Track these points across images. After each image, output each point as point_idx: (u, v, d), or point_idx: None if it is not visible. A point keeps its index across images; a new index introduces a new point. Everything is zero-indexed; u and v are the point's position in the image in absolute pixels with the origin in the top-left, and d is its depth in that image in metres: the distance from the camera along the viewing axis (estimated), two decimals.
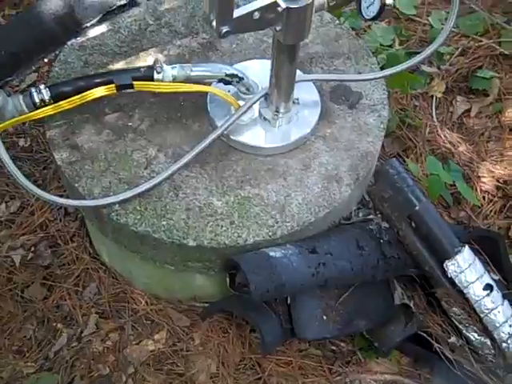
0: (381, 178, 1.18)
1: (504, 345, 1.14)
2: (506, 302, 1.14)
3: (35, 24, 1.05)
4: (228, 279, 1.12)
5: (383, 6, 0.99)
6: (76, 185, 1.10)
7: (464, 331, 1.18)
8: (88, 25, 1.07)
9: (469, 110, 1.64)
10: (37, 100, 1.08)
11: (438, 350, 1.18)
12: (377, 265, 1.15)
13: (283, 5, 0.90)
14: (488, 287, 1.13)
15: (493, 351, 1.17)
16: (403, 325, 1.21)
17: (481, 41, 1.71)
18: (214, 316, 1.29)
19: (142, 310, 1.30)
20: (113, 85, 1.10)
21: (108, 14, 1.08)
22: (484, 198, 1.47)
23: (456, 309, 1.17)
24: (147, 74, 1.10)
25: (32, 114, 1.09)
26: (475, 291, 1.12)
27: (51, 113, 1.10)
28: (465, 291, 1.12)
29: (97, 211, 1.10)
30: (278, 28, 0.95)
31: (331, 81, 1.25)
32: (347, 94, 1.24)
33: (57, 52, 1.24)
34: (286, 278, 1.06)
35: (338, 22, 1.36)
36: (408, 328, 1.20)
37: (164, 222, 1.07)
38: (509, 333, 1.13)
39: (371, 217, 1.22)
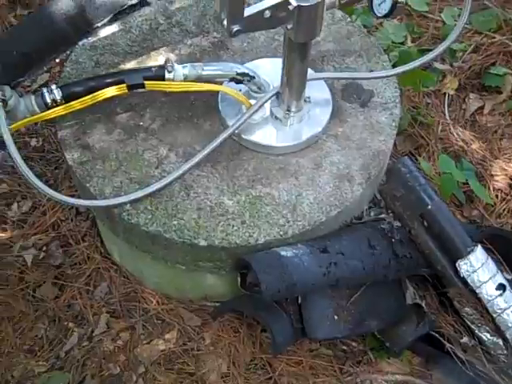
0: (393, 176, 1.17)
1: None
2: None
3: (47, 24, 1.05)
4: (239, 279, 1.12)
5: (395, 3, 0.98)
6: (87, 185, 1.10)
7: (476, 331, 1.17)
8: (99, 25, 1.08)
9: (482, 108, 1.63)
10: (48, 100, 1.09)
11: (450, 350, 1.17)
12: (388, 264, 1.15)
13: (294, 3, 0.90)
14: (501, 287, 1.12)
15: (505, 351, 1.16)
16: (415, 325, 1.20)
17: (494, 37, 1.70)
18: (224, 315, 1.29)
19: (153, 310, 1.31)
20: (124, 84, 1.10)
21: (119, 14, 1.09)
22: (497, 196, 1.46)
23: (468, 309, 1.17)
24: (158, 74, 1.10)
25: (44, 114, 1.10)
26: (488, 291, 1.11)
27: (63, 113, 1.11)
28: (477, 291, 1.11)
29: (108, 211, 1.10)
30: (289, 26, 0.94)
31: (343, 79, 1.24)
32: (359, 92, 1.23)
33: (68, 52, 1.24)
34: (298, 277, 1.05)
35: (349, 19, 1.35)
36: (420, 328, 1.19)
37: (175, 222, 1.06)
38: None
39: (383, 216, 1.21)
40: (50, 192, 1.04)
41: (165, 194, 1.09)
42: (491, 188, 1.46)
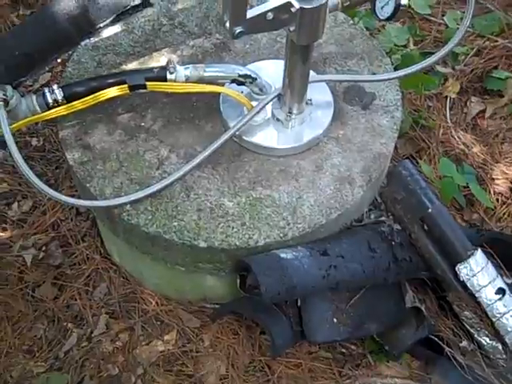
0: (393, 179, 1.17)
1: None
2: None
3: (49, 24, 1.05)
4: (239, 281, 1.12)
5: (398, 6, 0.98)
6: (88, 185, 1.10)
7: (475, 335, 1.17)
8: (102, 25, 1.08)
9: (483, 111, 1.62)
10: (50, 100, 1.09)
11: (449, 354, 1.17)
12: (388, 267, 1.15)
13: (297, 5, 0.90)
14: (500, 291, 1.12)
15: (504, 356, 1.16)
16: (414, 328, 1.20)
17: (496, 41, 1.70)
18: (224, 317, 1.29)
19: (152, 311, 1.30)
20: (126, 85, 1.10)
21: (122, 15, 1.08)
22: (497, 200, 1.46)
23: (468, 313, 1.17)
24: (160, 75, 1.10)
25: (45, 114, 1.10)
26: (487, 295, 1.11)
27: (64, 113, 1.11)
28: (477, 295, 1.11)
29: (108, 211, 1.10)
30: (291, 28, 0.94)
31: (345, 81, 1.24)
32: (361, 94, 1.23)
33: (70, 52, 1.24)
34: (297, 280, 1.05)
35: (352, 22, 1.35)
36: (419, 331, 1.19)
37: (175, 223, 1.06)
38: None
39: (383, 219, 1.21)
40: (50, 192, 1.04)
41: (165, 195, 1.09)
42: (492, 192, 1.46)
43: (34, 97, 1.09)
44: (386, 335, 1.22)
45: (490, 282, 1.11)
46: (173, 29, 1.31)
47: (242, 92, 1.14)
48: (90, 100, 1.10)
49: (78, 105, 1.10)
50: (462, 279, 1.10)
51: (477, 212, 1.45)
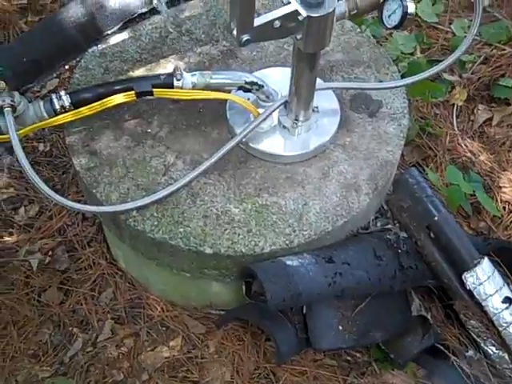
0: (400, 187, 1.17)
1: None
2: None
3: (57, 31, 1.05)
4: (244, 287, 1.12)
5: (405, 15, 0.98)
6: (94, 191, 1.10)
7: (482, 345, 1.17)
8: (109, 32, 1.08)
9: (490, 119, 1.62)
10: (57, 106, 1.09)
11: (455, 363, 1.16)
12: (394, 275, 1.14)
13: (304, 14, 0.90)
14: (507, 300, 1.11)
15: (511, 366, 1.15)
16: (420, 337, 1.19)
17: (504, 49, 1.70)
18: (229, 324, 1.29)
19: (158, 317, 1.30)
20: (133, 92, 1.10)
21: (129, 22, 1.09)
22: (504, 208, 1.45)
23: (474, 321, 1.16)
24: (167, 81, 1.10)
25: (52, 120, 1.10)
26: (494, 304, 1.10)
27: (71, 119, 1.11)
28: (483, 304, 1.11)
29: (114, 217, 1.11)
30: (298, 36, 0.94)
31: (351, 89, 1.24)
32: (367, 102, 1.23)
33: (78, 59, 1.25)
34: (303, 287, 1.05)
35: (359, 30, 1.35)
36: (425, 340, 1.19)
37: (181, 229, 1.07)
38: None
39: (389, 226, 1.21)
40: (57, 197, 1.05)
41: (171, 201, 1.09)
42: (499, 200, 1.46)
43: (41, 103, 1.10)
44: (391, 343, 1.22)
45: (496, 291, 1.10)
46: (180, 36, 1.32)
47: (249, 99, 1.15)
48: (97, 106, 1.10)
49: (85, 111, 1.11)
50: (468, 288, 1.10)
51: (484, 220, 1.44)
